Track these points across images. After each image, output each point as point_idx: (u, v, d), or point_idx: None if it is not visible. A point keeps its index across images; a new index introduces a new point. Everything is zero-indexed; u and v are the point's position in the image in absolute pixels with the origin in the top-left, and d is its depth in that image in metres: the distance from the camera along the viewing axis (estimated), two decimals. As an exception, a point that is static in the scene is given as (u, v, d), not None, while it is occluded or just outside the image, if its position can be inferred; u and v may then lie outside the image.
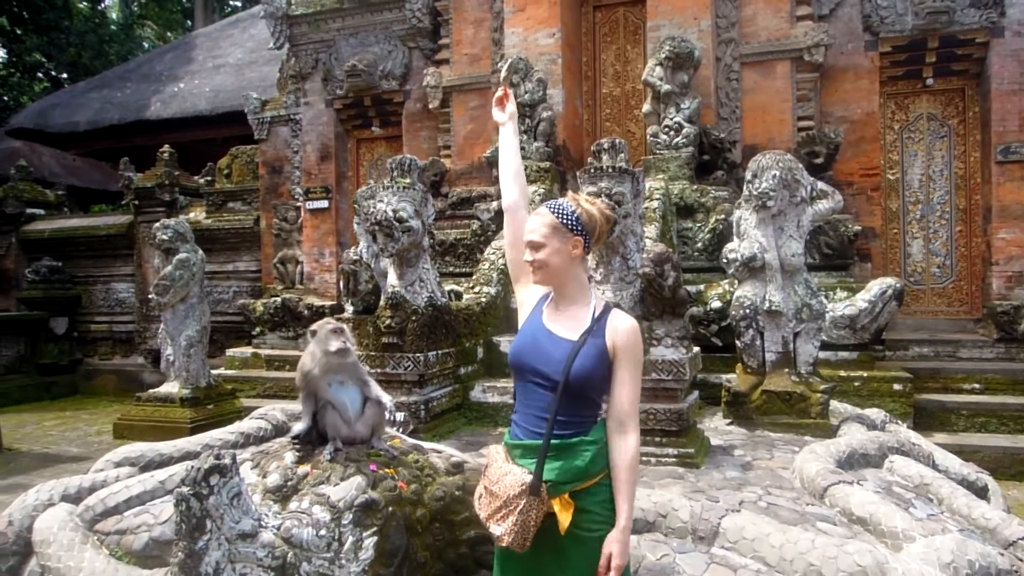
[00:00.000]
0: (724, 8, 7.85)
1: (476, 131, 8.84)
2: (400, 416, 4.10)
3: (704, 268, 6.47)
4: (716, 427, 4.59)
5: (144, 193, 11.28)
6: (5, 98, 21.40)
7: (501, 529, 1.84)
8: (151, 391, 7.62)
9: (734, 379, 4.76)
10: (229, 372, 9.05)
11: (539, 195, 6.91)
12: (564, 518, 1.83)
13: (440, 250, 7.47)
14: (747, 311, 4.60)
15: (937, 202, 8.15)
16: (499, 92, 2.35)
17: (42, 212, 12.96)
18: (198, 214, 11.23)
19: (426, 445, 3.03)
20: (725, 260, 4.76)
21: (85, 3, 23.88)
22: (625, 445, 1.89)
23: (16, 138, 16.75)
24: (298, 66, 10.17)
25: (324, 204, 10.07)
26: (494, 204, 7.39)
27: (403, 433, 3.21)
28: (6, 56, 22.32)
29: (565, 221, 1.95)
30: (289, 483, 2.42)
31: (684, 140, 7.20)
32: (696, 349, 4.19)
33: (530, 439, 1.91)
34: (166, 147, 11.69)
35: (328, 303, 9.45)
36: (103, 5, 25.41)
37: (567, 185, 7.51)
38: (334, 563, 2.25)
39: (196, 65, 16.58)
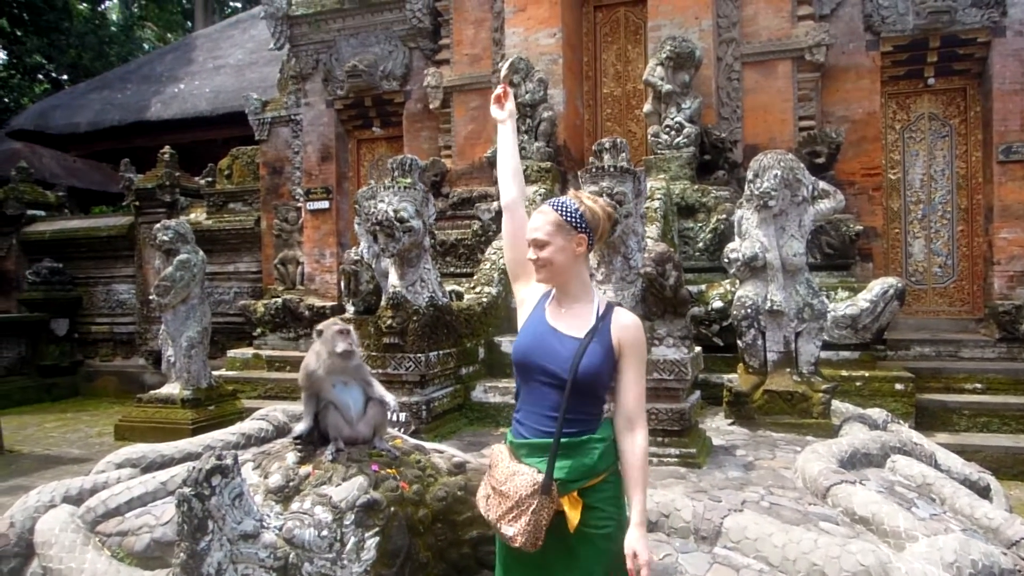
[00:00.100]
0: (725, 8, 7.84)
1: (477, 131, 8.84)
2: (402, 416, 4.09)
3: (705, 268, 6.47)
4: (718, 427, 4.59)
5: (145, 194, 11.28)
6: (5, 100, 21.42)
7: (513, 530, 1.83)
8: (152, 392, 7.62)
9: (736, 379, 4.75)
10: (230, 373, 9.04)
11: (540, 195, 6.91)
12: (574, 516, 1.84)
13: (441, 250, 7.47)
14: (749, 311, 4.59)
15: (939, 202, 8.14)
16: (498, 90, 2.35)
17: (43, 213, 12.96)
18: (199, 215, 11.23)
19: (428, 445, 3.02)
20: (726, 260, 4.75)
21: (85, 5, 23.90)
22: (635, 441, 1.91)
23: (16, 139, 16.77)
24: (299, 67, 10.17)
25: (325, 205, 10.06)
26: (495, 204, 7.39)
27: (404, 433, 3.21)
28: (6, 58, 22.33)
29: (569, 219, 1.95)
30: (291, 483, 2.42)
31: (685, 140, 7.19)
32: (698, 349, 4.18)
33: (537, 438, 1.91)
34: (166, 148, 11.69)
35: (329, 304, 9.45)
36: (103, 7, 25.43)
37: (568, 185, 7.51)
38: (336, 564, 2.24)
39: (196, 66, 16.58)
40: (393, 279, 4.54)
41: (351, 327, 2.56)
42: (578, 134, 8.72)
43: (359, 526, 2.30)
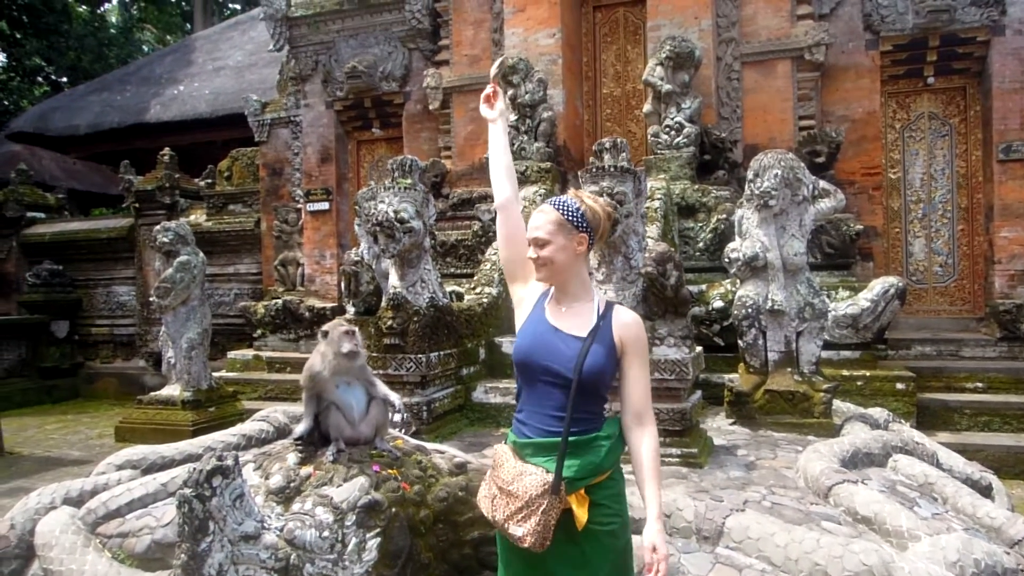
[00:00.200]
0: (724, 7, 7.84)
1: (476, 132, 8.83)
2: (403, 417, 4.08)
3: (706, 268, 6.46)
4: (719, 427, 4.58)
5: (144, 196, 11.28)
6: (5, 102, 21.42)
7: (523, 530, 1.82)
8: (152, 394, 7.61)
9: (736, 379, 4.74)
10: (230, 374, 9.03)
11: (540, 195, 6.91)
12: (581, 514, 1.84)
13: (441, 251, 7.46)
14: (749, 310, 4.58)
15: (939, 201, 8.14)
16: (488, 89, 2.34)
17: (42, 216, 12.94)
18: (198, 216, 11.23)
19: (429, 446, 3.02)
20: (727, 260, 4.74)
21: (84, 7, 23.89)
22: (645, 437, 1.93)
23: (16, 142, 16.76)
24: (298, 68, 10.16)
25: (325, 206, 10.06)
26: (495, 205, 7.38)
27: (405, 434, 3.20)
28: (6, 60, 22.34)
29: (570, 218, 1.95)
30: (292, 484, 2.41)
31: (685, 140, 7.19)
32: (699, 349, 4.18)
33: (542, 437, 1.90)
34: (166, 150, 11.68)
35: (329, 305, 9.44)
36: (102, 9, 25.41)
37: (568, 185, 7.51)
38: (337, 564, 2.24)
39: (196, 68, 16.59)
40: (394, 280, 4.53)
41: (356, 328, 2.56)
42: (578, 134, 8.72)
43: (360, 527, 2.29)
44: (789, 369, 4.55)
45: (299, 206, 10.36)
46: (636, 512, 2.77)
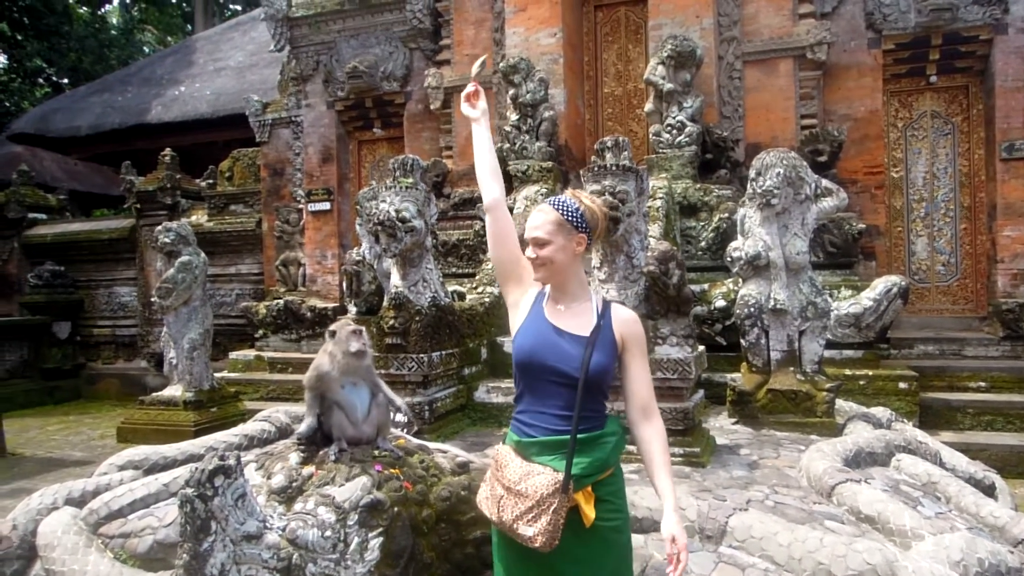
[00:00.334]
0: (726, 6, 7.83)
1: (478, 132, 8.82)
2: (407, 417, 4.08)
3: (708, 267, 6.45)
4: (721, 426, 4.57)
5: (146, 197, 11.28)
6: (6, 103, 21.43)
7: (534, 530, 1.81)
8: (154, 394, 7.61)
9: (739, 378, 4.74)
10: (232, 375, 9.04)
11: (541, 194, 6.90)
12: (589, 510, 1.84)
13: (443, 251, 7.46)
14: (752, 310, 4.57)
15: (941, 200, 8.12)
16: (469, 88, 2.25)
17: (44, 217, 12.96)
18: (200, 217, 11.23)
19: (431, 445, 3.01)
20: (729, 259, 4.74)
21: (85, 8, 23.91)
22: (654, 429, 1.96)
23: (17, 143, 16.78)
24: (299, 68, 10.16)
25: (326, 206, 10.06)
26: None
27: (407, 434, 3.20)
28: (7, 61, 22.36)
29: (570, 218, 1.95)
30: (294, 484, 2.41)
31: (687, 139, 7.18)
32: (701, 348, 4.17)
33: (548, 436, 1.90)
34: (167, 150, 11.68)
35: (331, 305, 9.44)
36: (103, 10, 25.43)
37: (569, 184, 7.50)
38: (340, 564, 2.23)
39: (197, 68, 16.60)
40: (395, 279, 4.53)
41: (363, 327, 2.55)
42: (579, 134, 8.71)
43: (363, 526, 2.29)
44: (792, 368, 4.54)
45: (300, 206, 10.36)
46: (636, 511, 2.78)
